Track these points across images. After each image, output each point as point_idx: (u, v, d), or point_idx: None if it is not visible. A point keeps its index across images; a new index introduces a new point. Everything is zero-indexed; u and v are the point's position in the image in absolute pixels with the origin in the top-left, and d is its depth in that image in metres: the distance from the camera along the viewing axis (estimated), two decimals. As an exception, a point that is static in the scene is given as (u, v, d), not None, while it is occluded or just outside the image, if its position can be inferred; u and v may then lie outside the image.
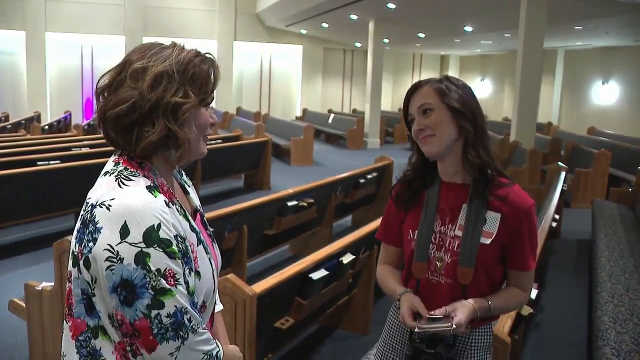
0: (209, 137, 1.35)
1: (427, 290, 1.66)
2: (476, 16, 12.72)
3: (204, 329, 1.24)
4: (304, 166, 11.38)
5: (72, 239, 1.22)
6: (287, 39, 19.83)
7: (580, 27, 12.54)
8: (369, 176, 6.55)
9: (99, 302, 1.18)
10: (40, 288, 3.13)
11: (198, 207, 1.45)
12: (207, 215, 4.14)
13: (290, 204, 4.96)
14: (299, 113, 19.69)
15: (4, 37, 16.35)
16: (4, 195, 5.34)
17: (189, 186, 1.48)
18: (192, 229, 1.29)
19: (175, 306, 1.15)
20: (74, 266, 1.21)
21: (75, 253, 1.20)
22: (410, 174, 1.73)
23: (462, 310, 1.55)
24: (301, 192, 5.29)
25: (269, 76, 20.40)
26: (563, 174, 6.62)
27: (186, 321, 1.17)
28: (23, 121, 13.18)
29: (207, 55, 1.32)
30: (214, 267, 1.34)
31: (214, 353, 1.24)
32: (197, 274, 1.26)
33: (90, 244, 1.15)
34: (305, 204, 5.17)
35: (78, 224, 1.21)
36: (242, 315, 2.54)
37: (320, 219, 5.76)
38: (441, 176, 1.69)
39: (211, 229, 1.49)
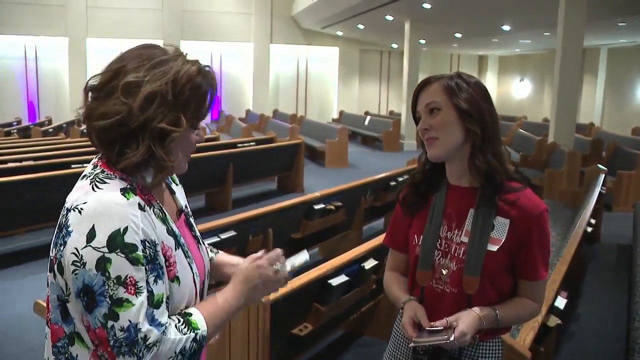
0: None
1: (432, 299, 1.57)
2: (514, 15, 12.44)
3: (170, 331, 1.16)
4: (339, 168, 11.27)
5: (51, 243, 1.20)
6: (323, 41, 19.82)
7: (623, 23, 12.13)
8: (400, 179, 6.44)
9: (72, 308, 1.16)
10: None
11: (184, 207, 1.40)
12: (233, 218, 4.14)
13: (317, 207, 4.90)
14: (335, 115, 19.62)
15: (48, 44, 16.84)
16: (38, 198, 5.44)
17: (176, 185, 1.43)
18: (171, 232, 1.23)
19: (130, 321, 1.09)
20: (50, 271, 1.19)
21: (51, 258, 1.18)
22: (419, 176, 1.65)
23: (465, 319, 1.46)
24: (329, 195, 5.23)
25: (306, 78, 20.42)
26: (602, 176, 6.37)
27: (139, 339, 1.10)
28: (64, 125, 13.51)
29: (208, 72, 1.24)
30: (195, 271, 1.28)
31: (187, 345, 1.16)
32: (177, 279, 1.21)
33: (62, 247, 1.13)
34: (332, 207, 5.10)
35: (56, 229, 1.18)
36: (254, 322, 2.49)
37: (350, 222, 5.68)
38: (448, 179, 1.60)
39: (197, 231, 1.44)
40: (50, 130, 12.70)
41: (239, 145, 9.04)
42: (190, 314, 1.21)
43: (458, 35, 16.42)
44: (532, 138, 10.84)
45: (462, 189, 1.57)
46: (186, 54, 1.24)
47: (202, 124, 1.29)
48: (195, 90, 1.19)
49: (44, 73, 17.13)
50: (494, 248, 1.49)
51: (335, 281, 3.02)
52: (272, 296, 2.54)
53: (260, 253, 1.37)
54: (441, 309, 1.53)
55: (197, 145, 1.29)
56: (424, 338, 1.45)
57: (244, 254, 1.46)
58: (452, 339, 1.41)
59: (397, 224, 1.72)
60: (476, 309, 1.48)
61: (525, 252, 1.50)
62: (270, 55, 19.09)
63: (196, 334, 1.18)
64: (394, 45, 20.38)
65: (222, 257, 1.52)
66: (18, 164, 6.45)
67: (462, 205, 1.55)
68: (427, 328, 1.47)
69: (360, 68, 21.01)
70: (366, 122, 16.24)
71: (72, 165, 6.43)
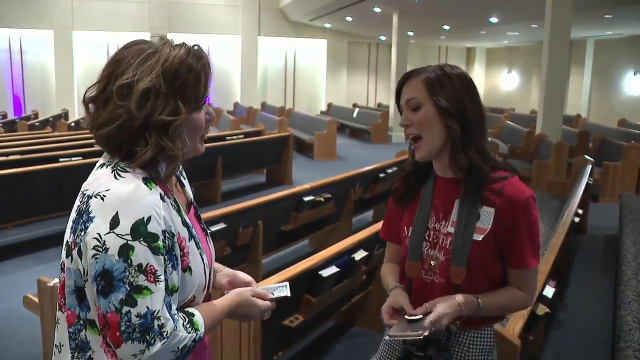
0: (207, 135, 1.33)
1: (422, 290, 1.59)
2: (501, 7, 12.48)
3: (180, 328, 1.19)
4: (327, 161, 11.30)
5: (67, 229, 1.22)
6: (312, 34, 19.76)
7: (610, 16, 12.20)
8: (389, 171, 6.46)
9: (90, 293, 1.17)
10: (52, 284, 3.13)
11: (192, 200, 1.42)
12: (222, 210, 4.15)
13: (306, 199, 4.91)
14: (324, 108, 19.61)
15: (33, 37, 16.63)
16: (26, 192, 5.40)
17: (184, 179, 1.44)
18: (185, 223, 1.26)
19: (147, 307, 1.12)
20: (67, 256, 1.21)
21: (69, 243, 1.20)
22: (408, 169, 1.66)
23: (443, 305, 1.47)
24: (318, 187, 5.24)
25: (294, 71, 20.37)
26: (589, 167, 6.44)
27: (156, 326, 1.13)
28: (51, 119, 13.40)
29: (197, 50, 1.25)
30: (205, 262, 1.31)
31: (187, 343, 1.19)
32: (189, 269, 1.24)
33: (82, 233, 1.14)
34: (322, 199, 5.12)
35: (73, 215, 1.20)
36: (247, 314, 2.50)
37: (339, 214, 5.70)
38: (436, 170, 1.61)
39: (205, 224, 1.47)
40: (36, 124, 12.59)
41: (227, 138, 9.03)
42: (193, 315, 1.24)
43: (446, 27, 16.44)
44: (520, 130, 10.90)
45: (449, 180, 1.57)
46: (172, 40, 1.24)
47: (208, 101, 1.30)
48: (188, 73, 1.21)
49: (30, 66, 16.91)
50: (479, 238, 1.49)
51: (325, 272, 3.03)
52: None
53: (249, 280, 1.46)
54: (430, 299, 1.54)
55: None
56: (399, 332, 1.45)
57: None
58: (426, 333, 1.42)
59: (391, 216, 1.74)
60: (458, 296, 1.49)
61: (512, 240, 1.49)
62: (258, 47, 18.99)
63: (196, 334, 1.22)
64: (382, 38, 20.37)
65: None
66: (4, 158, 6.40)
67: (449, 197, 1.55)
68: (406, 317, 1.48)
69: (349, 60, 20.98)
70: (354, 115, 16.26)
71: (60, 159, 6.38)
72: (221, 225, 3.86)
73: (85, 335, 1.21)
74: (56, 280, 3.18)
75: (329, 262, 3.12)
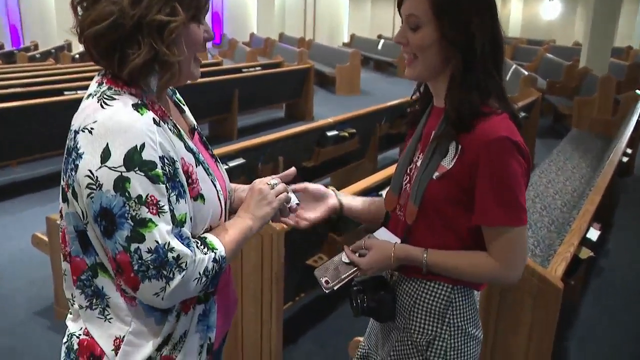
0: (201, 60, 1.27)
1: (393, 226, 1.52)
2: None
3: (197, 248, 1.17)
4: (350, 95, 11.22)
5: (62, 172, 1.18)
6: (334, -43, 19.25)
7: None
8: (418, 106, 6.36)
9: (93, 236, 1.15)
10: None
11: (195, 125, 1.39)
12: (240, 145, 4.14)
13: (330, 134, 4.90)
14: (346, 39, 19.28)
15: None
16: (29, 127, 5.42)
17: (183, 105, 1.41)
18: (189, 148, 1.23)
19: (157, 241, 1.08)
20: (63, 201, 1.18)
21: (63, 186, 1.17)
22: (414, 96, 1.57)
23: (371, 255, 1.44)
24: (342, 121, 5.20)
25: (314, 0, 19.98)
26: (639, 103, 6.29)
27: (171, 259, 1.10)
28: (53, 50, 13.34)
29: None
30: (218, 188, 1.28)
31: (208, 265, 1.17)
32: (201, 197, 1.21)
33: (73, 172, 1.10)
34: (346, 134, 5.09)
35: (64, 155, 1.16)
36: (268, 252, 2.51)
37: (364, 151, 5.68)
38: (433, 97, 1.50)
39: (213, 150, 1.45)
40: (37, 55, 12.56)
41: (243, 70, 8.94)
42: (205, 237, 1.22)
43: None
44: (561, 63, 10.65)
45: (440, 109, 1.45)
46: None
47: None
48: None
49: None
50: (435, 176, 1.38)
51: (352, 210, 3.02)
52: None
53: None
54: (396, 237, 1.49)
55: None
56: (333, 280, 1.47)
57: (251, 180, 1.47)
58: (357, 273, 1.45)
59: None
60: (397, 245, 1.44)
61: (474, 186, 1.34)
62: (275, -28, 18.64)
63: (215, 253, 1.19)
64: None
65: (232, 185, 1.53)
66: (5, 91, 6.38)
67: (433, 128, 1.44)
68: (342, 259, 1.49)
69: (374, -13, 20.53)
70: (380, 46, 16.00)
71: (65, 92, 6.38)
72: (240, 161, 3.85)
73: (98, 281, 1.20)
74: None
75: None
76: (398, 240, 1.46)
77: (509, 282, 1.42)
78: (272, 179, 1.41)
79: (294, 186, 1.50)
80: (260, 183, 1.39)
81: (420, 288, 1.46)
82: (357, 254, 1.47)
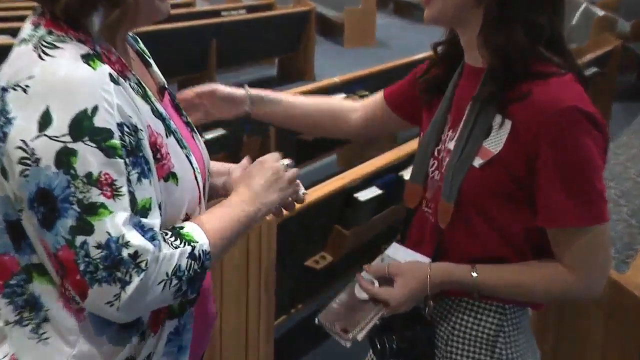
0: None
1: (419, 229, 1.49)
2: None
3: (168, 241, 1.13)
4: (363, 48, 11.20)
5: None
6: None
7: None
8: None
9: (30, 227, 1.12)
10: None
11: (165, 84, 1.37)
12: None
13: (336, 96, 4.87)
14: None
15: None
16: None
17: (148, 57, 1.39)
18: (157, 113, 1.20)
19: (109, 233, 1.04)
20: None
21: None
22: (441, 48, 1.55)
23: (403, 281, 1.37)
24: (352, 80, 5.21)
25: None
26: None
27: (126, 256, 1.04)
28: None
29: None
30: (195, 165, 1.26)
31: (181, 263, 1.12)
32: (173, 176, 1.19)
33: (1, 143, 1.07)
34: (357, 98, 5.07)
35: None
36: (256, 249, 2.52)
37: (380, 119, 5.65)
38: (465, 55, 1.45)
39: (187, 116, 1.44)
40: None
41: (223, 13, 8.88)
42: (182, 227, 1.18)
43: None
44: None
45: (476, 69, 1.39)
46: None
47: None
48: None
49: None
50: (478, 163, 1.32)
51: (363, 195, 3.03)
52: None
53: None
54: (424, 245, 1.45)
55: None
56: (354, 327, 1.39)
57: (237, 159, 1.46)
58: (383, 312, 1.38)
59: (405, 89, 1.71)
60: (434, 266, 1.38)
61: (537, 177, 1.27)
62: None
63: (193, 247, 1.14)
64: None
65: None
66: None
67: (467, 95, 1.38)
68: (356, 294, 1.44)
69: None
70: (401, -17, 15.95)
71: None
72: (219, 132, 3.85)
73: (33, 287, 1.16)
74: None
75: (367, 181, 3.11)
76: (426, 260, 1.41)
77: (590, 297, 1.41)
78: (285, 160, 1.39)
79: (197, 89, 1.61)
80: (272, 159, 1.37)
81: (458, 311, 1.42)
82: (375, 284, 1.41)
